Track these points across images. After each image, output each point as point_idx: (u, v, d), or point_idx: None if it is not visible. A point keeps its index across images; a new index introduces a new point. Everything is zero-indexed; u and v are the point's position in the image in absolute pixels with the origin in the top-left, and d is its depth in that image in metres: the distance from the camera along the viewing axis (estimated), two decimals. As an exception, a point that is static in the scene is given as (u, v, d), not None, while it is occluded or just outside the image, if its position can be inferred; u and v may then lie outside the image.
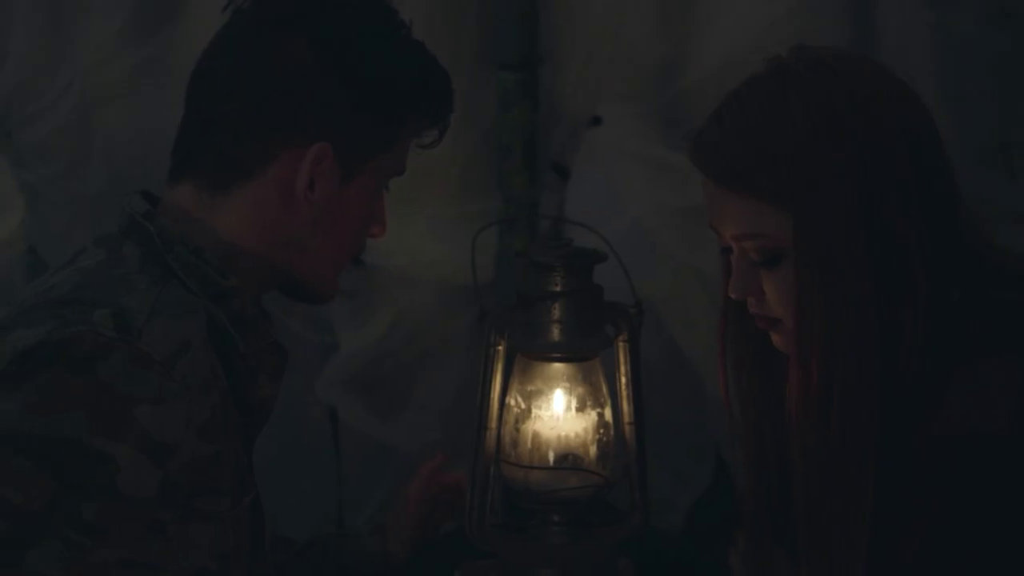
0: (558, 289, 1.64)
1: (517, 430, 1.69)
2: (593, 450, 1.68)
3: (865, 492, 1.47)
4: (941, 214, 1.49)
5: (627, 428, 1.71)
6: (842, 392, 1.47)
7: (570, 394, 1.68)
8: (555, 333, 1.65)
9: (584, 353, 1.67)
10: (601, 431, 1.69)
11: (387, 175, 1.62)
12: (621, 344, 1.70)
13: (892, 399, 1.47)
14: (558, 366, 1.68)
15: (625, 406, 1.71)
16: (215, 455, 1.47)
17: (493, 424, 1.68)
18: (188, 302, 1.49)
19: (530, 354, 1.68)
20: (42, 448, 1.37)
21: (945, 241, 1.48)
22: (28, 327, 1.42)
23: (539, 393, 1.68)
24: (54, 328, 1.40)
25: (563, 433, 1.68)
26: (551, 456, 1.68)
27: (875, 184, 1.46)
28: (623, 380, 1.71)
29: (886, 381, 1.47)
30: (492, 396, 1.68)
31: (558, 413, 1.68)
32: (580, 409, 1.68)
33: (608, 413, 1.70)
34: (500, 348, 1.67)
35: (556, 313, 1.65)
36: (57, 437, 1.37)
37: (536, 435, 1.68)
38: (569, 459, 1.68)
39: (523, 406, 1.68)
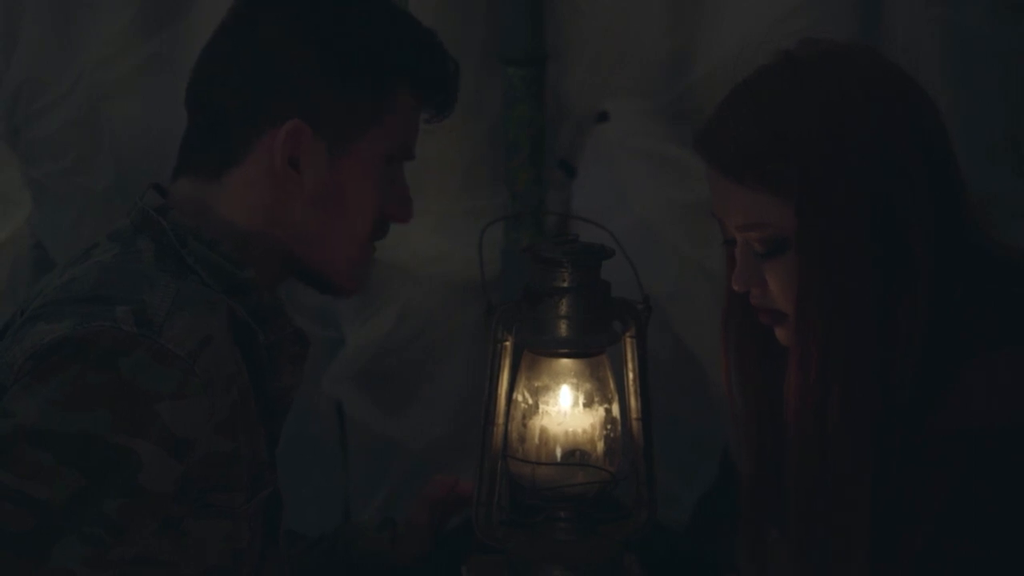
0: (565, 285, 1.64)
1: (524, 426, 1.68)
2: (600, 446, 1.68)
3: (861, 483, 1.47)
4: (946, 208, 1.49)
5: (634, 424, 1.71)
6: (840, 383, 1.47)
7: (577, 390, 1.68)
8: (562, 329, 1.65)
9: (591, 349, 1.67)
10: (608, 427, 1.69)
11: (387, 154, 1.59)
12: (628, 340, 1.70)
13: (891, 392, 1.47)
14: (565, 362, 1.68)
15: (632, 402, 1.70)
16: (232, 451, 1.47)
17: (500, 420, 1.68)
18: (208, 296, 1.49)
19: (537, 350, 1.68)
20: (65, 444, 1.37)
21: (949, 235, 1.48)
22: (49, 322, 1.42)
23: (546, 389, 1.68)
24: (76, 324, 1.40)
25: (570, 429, 1.68)
26: (558, 452, 1.68)
27: (881, 176, 1.46)
28: (630, 376, 1.70)
29: (884, 373, 1.47)
30: (499, 392, 1.67)
31: (565, 409, 1.68)
32: (587, 405, 1.68)
33: (615, 409, 1.70)
34: (507, 344, 1.67)
35: (563, 309, 1.64)
36: (80, 433, 1.37)
37: (543, 431, 1.68)
38: (576, 455, 1.68)
39: (530, 402, 1.68)
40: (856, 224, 1.46)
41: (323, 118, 1.54)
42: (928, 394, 1.46)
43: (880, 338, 1.47)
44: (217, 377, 1.44)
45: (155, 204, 1.55)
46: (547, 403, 1.68)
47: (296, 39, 1.54)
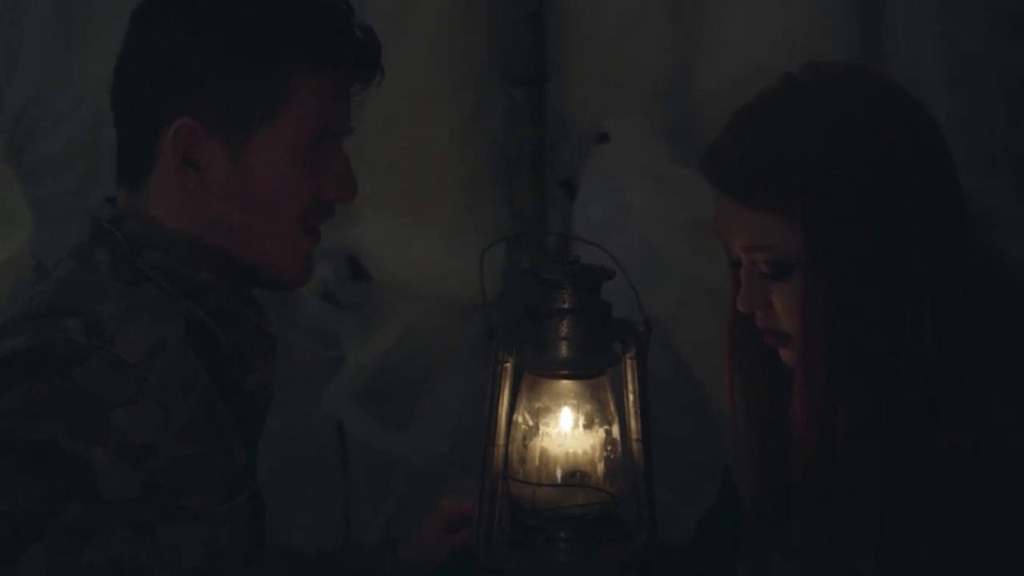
0: (566, 306, 1.64)
1: (525, 447, 1.68)
2: (600, 467, 1.68)
3: (868, 491, 1.49)
4: (949, 227, 1.50)
5: (634, 445, 1.70)
6: (846, 392, 1.48)
7: (578, 411, 1.68)
8: (563, 350, 1.65)
9: (592, 371, 1.67)
10: (609, 448, 1.69)
11: (306, 139, 1.55)
12: (629, 361, 1.70)
13: (896, 399, 1.48)
14: (566, 383, 1.68)
15: (633, 423, 1.70)
16: (199, 455, 1.47)
17: (501, 441, 1.68)
18: (162, 304, 1.49)
19: (538, 371, 1.68)
20: (24, 453, 1.39)
21: (950, 243, 1.49)
22: (6, 338, 1.44)
23: (547, 410, 1.68)
24: (29, 337, 1.42)
25: (571, 450, 1.68)
26: (559, 473, 1.68)
27: (884, 197, 1.47)
28: (631, 397, 1.70)
29: (890, 392, 1.48)
30: (500, 413, 1.67)
31: (566, 430, 1.68)
32: (588, 426, 1.68)
33: (616, 430, 1.70)
34: (508, 365, 1.67)
35: (564, 330, 1.64)
36: (38, 441, 1.39)
37: (544, 452, 1.68)
38: (576, 476, 1.68)
39: (531, 423, 1.68)
40: (859, 235, 1.47)
41: (213, 113, 1.52)
42: (932, 401, 1.48)
43: (884, 346, 1.48)
44: (172, 383, 1.44)
45: (108, 216, 1.56)
46: (547, 424, 1.68)
47: (180, 37, 1.52)
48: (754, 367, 1.64)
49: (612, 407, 1.69)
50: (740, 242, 1.54)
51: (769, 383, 1.63)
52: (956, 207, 1.51)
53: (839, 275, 1.48)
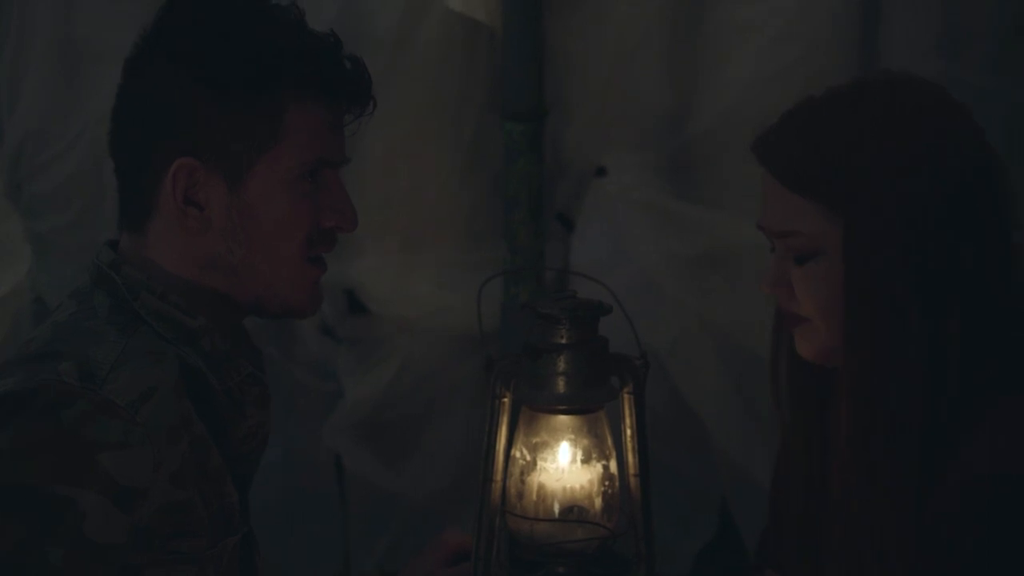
0: (563, 341, 1.64)
1: (523, 482, 1.68)
2: (598, 502, 1.68)
3: (908, 506, 1.51)
4: (984, 249, 1.53)
5: (632, 480, 1.70)
6: (889, 405, 1.52)
7: (575, 446, 1.68)
8: (560, 385, 1.65)
9: (589, 406, 1.67)
10: (606, 483, 1.69)
11: (301, 170, 1.56)
12: (626, 396, 1.70)
13: (934, 412, 1.51)
14: (563, 418, 1.68)
15: (630, 458, 1.70)
16: (190, 500, 1.47)
17: (498, 476, 1.68)
18: (157, 349, 1.50)
19: (535, 406, 1.68)
20: (8, 495, 1.39)
21: (986, 275, 1.52)
22: None
23: (544, 445, 1.68)
24: (20, 380, 1.42)
25: (568, 485, 1.68)
26: (556, 508, 1.68)
27: (924, 209, 1.52)
28: (628, 432, 1.70)
29: (927, 394, 1.51)
30: (497, 448, 1.67)
31: (563, 465, 1.68)
32: (585, 461, 1.68)
33: (613, 465, 1.70)
34: (505, 400, 1.67)
35: (561, 365, 1.64)
36: (22, 484, 1.39)
37: (541, 487, 1.68)
38: (574, 511, 1.67)
39: (528, 458, 1.68)
40: (898, 254, 1.53)
41: (211, 151, 1.53)
42: (957, 434, 1.49)
43: (928, 344, 1.52)
44: (161, 427, 1.45)
45: (108, 259, 1.56)
46: (545, 459, 1.68)
47: (172, 78, 1.53)
48: (797, 366, 1.69)
49: (610, 442, 1.69)
50: (776, 226, 1.60)
51: (818, 383, 1.68)
52: (995, 237, 1.55)
53: (879, 274, 1.52)
